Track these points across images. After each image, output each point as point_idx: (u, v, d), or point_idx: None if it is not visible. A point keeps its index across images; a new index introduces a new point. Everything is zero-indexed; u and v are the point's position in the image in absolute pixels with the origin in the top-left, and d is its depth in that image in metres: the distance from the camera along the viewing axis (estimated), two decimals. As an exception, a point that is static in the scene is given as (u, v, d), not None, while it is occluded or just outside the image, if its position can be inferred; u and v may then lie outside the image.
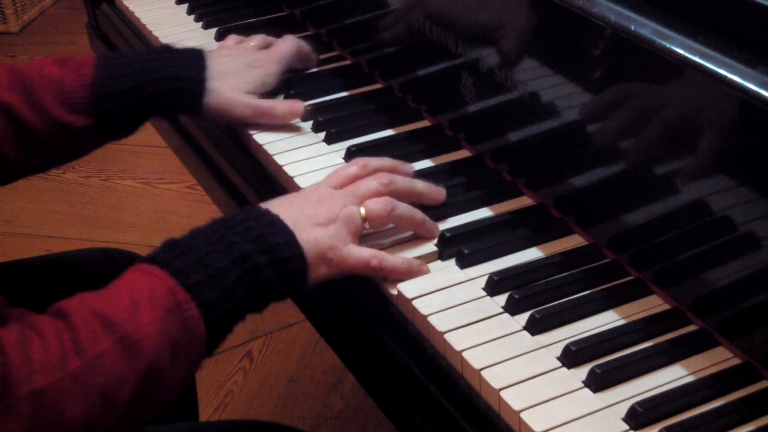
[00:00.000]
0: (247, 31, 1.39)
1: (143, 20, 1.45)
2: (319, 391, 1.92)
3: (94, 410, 0.79)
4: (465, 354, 0.85)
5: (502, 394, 0.81)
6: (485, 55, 1.03)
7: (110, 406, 0.79)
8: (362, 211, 0.95)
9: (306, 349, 2.01)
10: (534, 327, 0.87)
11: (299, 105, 1.17)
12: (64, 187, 2.55)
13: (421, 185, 1.00)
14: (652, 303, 0.90)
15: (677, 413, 0.79)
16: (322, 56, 1.32)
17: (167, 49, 1.18)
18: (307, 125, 1.18)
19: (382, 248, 0.96)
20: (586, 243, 0.97)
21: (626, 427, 0.78)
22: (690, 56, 0.80)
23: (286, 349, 2.02)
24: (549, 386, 0.82)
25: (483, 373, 0.83)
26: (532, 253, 0.96)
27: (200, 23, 1.44)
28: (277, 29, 1.40)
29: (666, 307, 0.90)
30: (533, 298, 0.90)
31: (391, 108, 1.21)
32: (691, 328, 0.87)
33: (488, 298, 0.91)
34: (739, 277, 0.82)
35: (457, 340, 0.86)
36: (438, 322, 0.88)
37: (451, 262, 0.96)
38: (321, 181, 1.00)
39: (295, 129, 1.17)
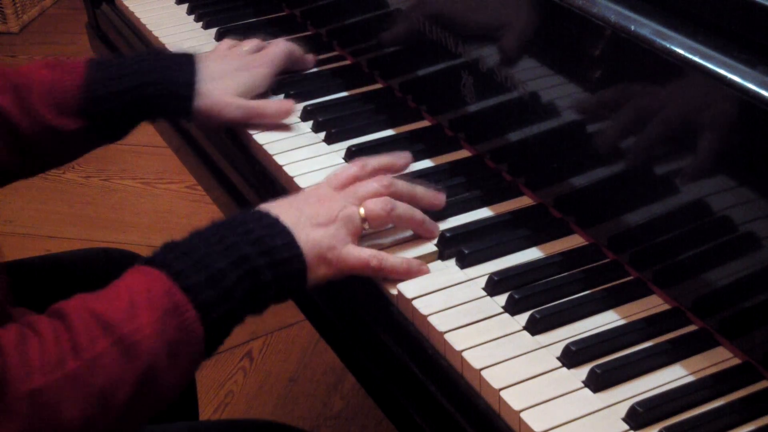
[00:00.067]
0: (247, 31, 1.39)
1: (143, 20, 1.45)
2: (319, 391, 1.92)
3: (91, 411, 0.79)
4: (465, 354, 0.85)
5: (502, 394, 0.81)
6: (485, 55, 1.03)
7: (107, 406, 0.79)
8: (361, 211, 0.95)
9: (306, 349, 2.01)
10: (534, 327, 0.87)
11: (289, 104, 1.18)
12: (64, 187, 2.55)
13: (420, 189, 1.00)
14: (652, 303, 0.90)
15: (677, 413, 0.79)
16: (322, 56, 1.32)
17: (158, 53, 1.19)
18: (307, 125, 1.18)
19: (382, 248, 0.96)
20: (586, 243, 0.97)
21: (626, 427, 0.78)
22: (690, 56, 0.80)
23: (286, 349, 2.02)
24: (549, 386, 0.82)
25: (483, 373, 0.83)
26: (532, 253, 0.96)
27: (200, 23, 1.44)
28: (277, 29, 1.40)
29: (666, 307, 0.90)
30: (533, 298, 0.90)
31: (391, 108, 1.21)
32: (691, 328, 0.87)
33: (488, 298, 0.91)
34: (739, 277, 0.82)
35: (457, 340, 0.86)
36: (438, 322, 0.88)
37: (451, 262, 0.96)
38: (321, 183, 1.00)
39: (295, 129, 1.17)
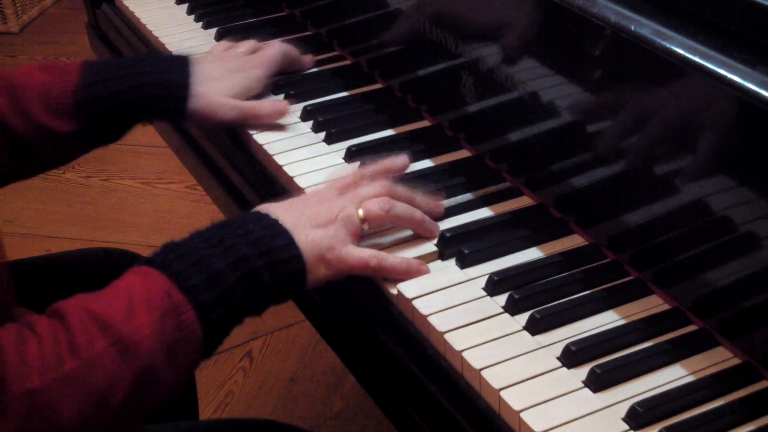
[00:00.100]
0: (247, 31, 1.39)
1: (143, 20, 1.45)
2: (319, 391, 1.92)
3: (89, 411, 0.79)
4: (465, 354, 0.85)
5: (502, 394, 0.81)
6: (485, 55, 1.03)
7: (105, 406, 0.79)
8: (360, 212, 0.95)
9: (306, 349, 2.01)
10: (534, 327, 0.87)
11: (284, 104, 1.18)
12: (64, 187, 2.55)
13: (420, 195, 1.01)
14: (652, 303, 0.90)
15: (677, 413, 0.79)
16: (322, 56, 1.33)
17: (152, 55, 1.19)
18: (307, 125, 1.18)
19: (382, 248, 0.96)
20: (586, 243, 0.97)
21: (626, 427, 0.78)
22: (690, 56, 0.80)
23: (286, 349, 2.02)
24: (549, 386, 0.82)
25: (483, 373, 0.83)
26: (532, 253, 0.96)
27: (200, 23, 1.44)
28: (277, 29, 1.40)
29: (666, 307, 0.90)
30: (533, 298, 0.90)
31: (391, 108, 1.21)
32: (691, 328, 0.87)
33: (488, 298, 0.91)
34: (739, 277, 0.82)
35: (457, 340, 0.86)
36: (438, 322, 0.88)
37: (451, 262, 0.96)
38: (321, 187, 1.01)
39: (295, 129, 1.18)
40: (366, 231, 0.96)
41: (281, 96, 1.23)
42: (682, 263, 0.87)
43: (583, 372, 0.83)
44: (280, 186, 1.11)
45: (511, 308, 0.89)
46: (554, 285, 0.92)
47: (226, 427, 1.10)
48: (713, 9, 0.81)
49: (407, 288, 0.92)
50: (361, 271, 0.94)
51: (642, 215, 0.90)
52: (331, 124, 1.17)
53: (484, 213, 1.02)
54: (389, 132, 1.17)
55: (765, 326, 0.80)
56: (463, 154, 1.12)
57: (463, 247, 0.96)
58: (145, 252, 0.90)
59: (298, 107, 1.20)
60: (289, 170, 1.10)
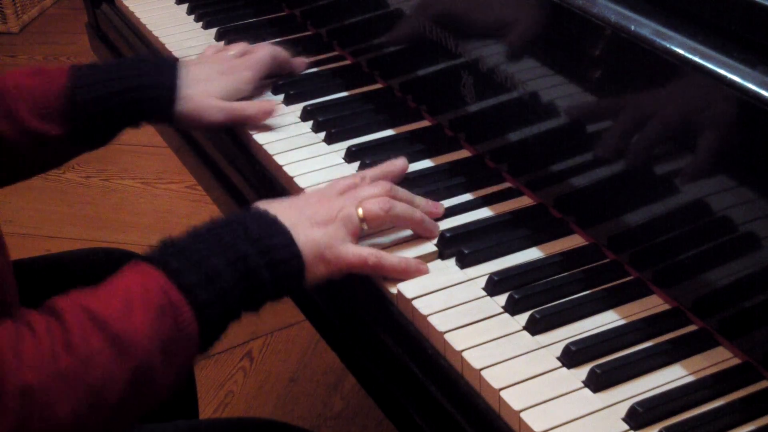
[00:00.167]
0: (247, 31, 1.39)
1: (143, 20, 1.45)
2: (319, 391, 1.92)
3: (83, 408, 0.79)
4: (465, 354, 0.85)
5: (502, 394, 0.81)
6: (485, 55, 1.03)
7: (100, 404, 0.79)
8: (360, 211, 0.95)
9: (306, 349, 2.01)
10: (534, 327, 0.87)
11: (270, 104, 1.18)
12: (64, 187, 2.55)
13: (420, 197, 1.01)
14: (652, 303, 0.90)
15: (677, 413, 0.79)
16: (321, 56, 1.33)
17: (140, 59, 1.20)
18: (307, 125, 1.18)
19: (382, 248, 0.96)
20: (586, 243, 0.97)
21: (626, 427, 0.78)
22: (690, 56, 0.80)
23: (286, 349, 2.02)
24: (549, 386, 0.82)
25: (483, 373, 0.83)
26: (532, 253, 0.97)
27: (200, 23, 1.44)
28: (277, 29, 1.40)
29: (666, 307, 0.90)
30: (533, 298, 0.90)
31: (391, 108, 1.21)
32: (691, 328, 0.87)
33: (488, 298, 0.91)
34: (739, 277, 0.82)
35: (457, 340, 0.86)
36: (438, 322, 0.88)
37: (451, 262, 0.96)
38: (321, 186, 1.01)
39: (296, 129, 1.18)
40: (365, 231, 0.96)
41: (281, 96, 1.23)
42: (682, 263, 0.87)
43: (583, 372, 0.83)
44: (280, 186, 1.11)
45: (511, 308, 0.89)
46: (554, 285, 0.92)
47: (226, 427, 1.10)
48: (713, 9, 0.81)
49: (407, 288, 0.92)
50: (359, 269, 0.94)
51: (642, 215, 0.90)
52: (331, 124, 1.17)
53: (484, 213, 1.02)
54: (389, 132, 1.17)
55: (765, 326, 0.80)
56: (463, 154, 1.12)
57: (463, 247, 0.96)
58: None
59: (298, 107, 1.20)
60: (289, 170, 1.10)
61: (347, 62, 1.32)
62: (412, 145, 1.13)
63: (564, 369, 0.84)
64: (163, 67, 1.15)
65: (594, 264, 0.95)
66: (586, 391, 0.82)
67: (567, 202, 0.99)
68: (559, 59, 0.94)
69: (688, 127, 0.82)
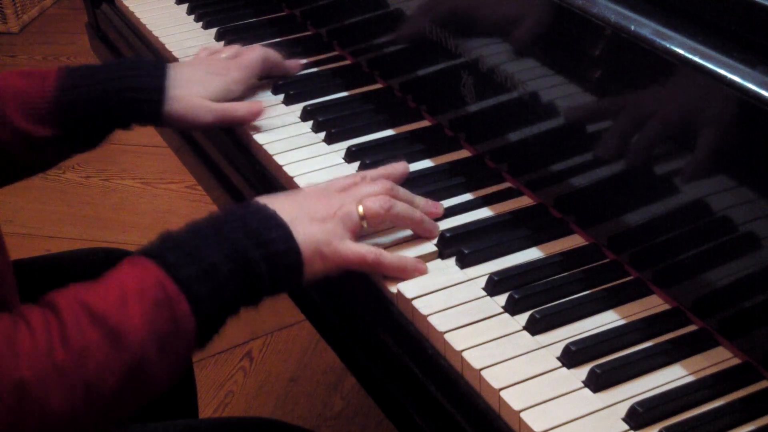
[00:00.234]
0: (247, 31, 1.39)
1: (143, 20, 1.45)
2: (319, 391, 1.92)
3: (78, 402, 0.79)
4: (465, 354, 0.85)
5: (502, 394, 0.81)
6: (485, 55, 1.03)
7: (95, 398, 0.79)
8: (360, 209, 0.95)
9: (306, 349, 2.01)
10: (534, 327, 0.87)
11: (259, 105, 1.18)
12: (64, 187, 2.55)
13: (420, 197, 1.01)
14: (652, 303, 0.90)
15: (677, 413, 0.79)
16: (321, 56, 1.33)
17: (130, 61, 1.21)
18: (307, 125, 1.18)
19: (382, 248, 0.96)
20: (586, 243, 0.97)
21: (626, 427, 0.78)
22: (690, 56, 0.80)
23: (286, 349, 2.02)
24: (549, 386, 0.82)
25: (483, 373, 0.83)
26: (532, 253, 0.97)
27: (200, 23, 1.44)
28: (277, 29, 1.40)
29: (666, 307, 0.90)
30: (533, 298, 0.90)
31: (391, 108, 1.21)
32: (691, 328, 0.87)
33: (488, 298, 0.91)
34: (739, 277, 0.82)
35: (457, 340, 0.86)
36: (438, 322, 0.88)
37: (451, 262, 0.96)
38: (322, 184, 1.01)
39: (296, 129, 1.18)
40: (365, 229, 0.96)
41: (281, 96, 1.23)
42: (682, 263, 0.87)
43: (583, 372, 0.83)
44: (280, 186, 1.11)
45: (511, 308, 0.89)
46: (554, 285, 0.92)
47: (226, 427, 1.10)
48: (713, 9, 0.81)
49: (407, 288, 0.92)
50: (358, 267, 0.94)
51: (642, 215, 0.90)
52: (331, 124, 1.17)
53: (484, 213, 1.02)
54: (389, 132, 1.17)
55: (765, 326, 0.80)
56: (463, 154, 1.12)
57: (463, 247, 0.96)
58: (146, 252, 0.90)
59: (298, 107, 1.20)
60: (289, 170, 1.10)
61: (347, 62, 1.32)
62: (412, 145, 1.13)
63: (564, 369, 0.84)
64: (151, 69, 1.15)
65: (594, 264, 0.95)
66: (586, 391, 0.82)
67: (567, 202, 0.99)
68: (559, 59, 0.94)
69: (688, 127, 0.82)
